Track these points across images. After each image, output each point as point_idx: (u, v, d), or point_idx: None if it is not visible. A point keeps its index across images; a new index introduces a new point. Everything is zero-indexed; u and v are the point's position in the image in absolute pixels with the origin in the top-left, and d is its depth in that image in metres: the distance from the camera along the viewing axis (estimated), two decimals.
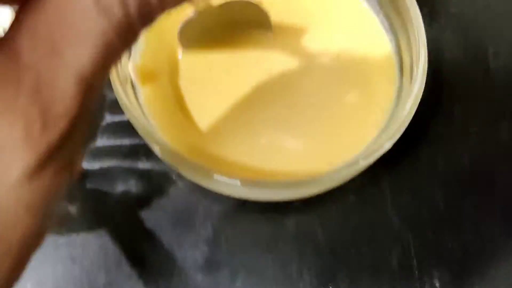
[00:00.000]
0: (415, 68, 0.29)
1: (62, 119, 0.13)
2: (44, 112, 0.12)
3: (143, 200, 0.35)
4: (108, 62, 0.14)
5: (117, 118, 0.38)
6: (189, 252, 0.34)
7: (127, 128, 0.37)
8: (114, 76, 0.30)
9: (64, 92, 0.13)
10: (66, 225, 0.35)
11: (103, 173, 0.36)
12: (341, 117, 0.31)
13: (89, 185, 0.36)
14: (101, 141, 0.37)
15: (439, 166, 0.36)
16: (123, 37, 0.13)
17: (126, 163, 0.36)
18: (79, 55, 0.13)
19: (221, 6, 0.31)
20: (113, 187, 0.36)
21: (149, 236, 0.34)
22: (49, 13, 0.13)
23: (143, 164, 0.36)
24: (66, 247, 0.34)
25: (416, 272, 0.33)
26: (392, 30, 0.33)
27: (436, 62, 0.36)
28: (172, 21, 0.32)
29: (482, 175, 0.36)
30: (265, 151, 0.32)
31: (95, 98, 0.14)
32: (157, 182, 0.36)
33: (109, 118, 0.38)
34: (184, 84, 0.33)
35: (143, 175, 0.36)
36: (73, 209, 0.35)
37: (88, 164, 0.36)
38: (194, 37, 0.33)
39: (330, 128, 0.31)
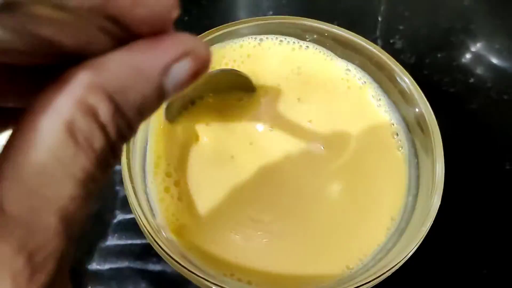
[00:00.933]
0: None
1: (50, 260, 0.13)
2: (31, 258, 0.12)
3: None
4: (89, 193, 0.14)
5: (128, 216, 0.37)
6: None
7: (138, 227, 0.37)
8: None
9: (48, 233, 0.13)
10: None
11: (113, 275, 0.35)
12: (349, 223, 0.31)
13: (99, 287, 0.35)
14: (112, 241, 0.36)
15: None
16: (103, 164, 0.14)
17: (137, 264, 0.36)
18: (58, 194, 0.13)
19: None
20: None
21: None
22: (27, 160, 0.13)
23: (154, 266, 0.35)
24: None
25: None
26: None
27: None
28: None
29: None
30: (274, 255, 0.31)
31: (79, 227, 0.14)
32: (169, 285, 0.35)
33: (120, 216, 0.37)
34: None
35: (154, 277, 0.35)
36: None
37: (97, 265, 0.35)
38: (178, 109, 0.32)
39: (337, 233, 0.31)
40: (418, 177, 0.31)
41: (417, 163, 0.31)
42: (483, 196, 0.37)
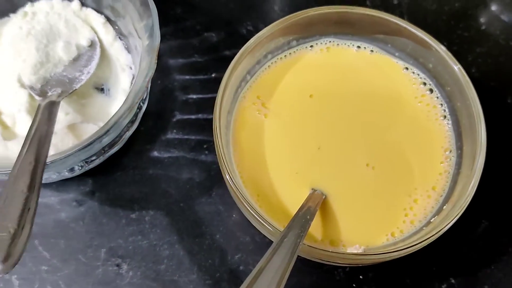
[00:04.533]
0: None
1: None
2: None
3: (204, 188, 0.41)
4: None
5: (185, 116, 0.44)
6: (249, 232, 0.39)
7: (194, 125, 0.43)
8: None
9: None
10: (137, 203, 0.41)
11: (171, 162, 0.42)
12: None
13: (159, 171, 0.42)
14: (171, 135, 0.43)
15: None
16: None
17: (191, 155, 0.42)
18: None
19: None
20: (180, 174, 0.42)
21: (209, 218, 0.40)
22: None
23: (206, 157, 0.42)
24: (137, 223, 0.40)
25: None
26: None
27: None
28: None
29: None
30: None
31: None
32: (216, 173, 0.42)
33: (178, 116, 0.44)
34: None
35: (205, 166, 0.42)
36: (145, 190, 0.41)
37: (158, 154, 0.42)
38: None
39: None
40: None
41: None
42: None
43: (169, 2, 0.48)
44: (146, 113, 0.43)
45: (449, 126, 0.38)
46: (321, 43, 0.41)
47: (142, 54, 0.37)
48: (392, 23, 0.38)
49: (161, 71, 0.45)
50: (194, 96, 0.44)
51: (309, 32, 0.40)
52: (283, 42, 0.40)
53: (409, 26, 0.38)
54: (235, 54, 0.46)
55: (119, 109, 0.35)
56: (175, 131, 0.43)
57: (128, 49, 0.43)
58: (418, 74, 0.40)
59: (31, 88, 0.39)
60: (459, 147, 0.37)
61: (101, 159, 0.39)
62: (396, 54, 0.40)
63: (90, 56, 0.42)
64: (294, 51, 0.40)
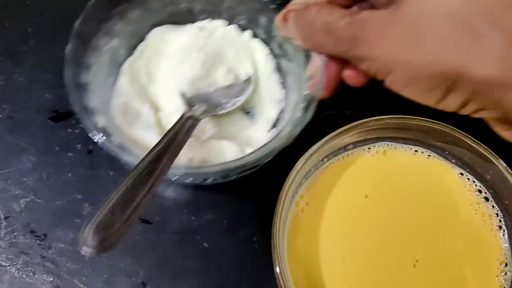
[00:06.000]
0: None
1: None
2: None
3: None
4: None
5: None
6: None
7: None
8: None
9: None
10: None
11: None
12: None
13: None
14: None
15: None
16: None
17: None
18: None
19: None
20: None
21: None
22: None
23: None
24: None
25: None
26: None
27: None
28: None
29: None
30: None
31: None
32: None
33: None
34: None
35: None
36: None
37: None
38: None
39: None
40: None
41: None
42: None
43: None
44: None
45: (505, 238, 0.38)
46: (378, 146, 0.41)
47: (297, 100, 0.39)
48: (450, 134, 0.38)
49: None
50: None
51: (366, 136, 0.40)
52: (340, 146, 0.40)
53: (467, 139, 0.38)
54: None
55: (273, 140, 0.37)
56: None
57: (282, 84, 0.45)
58: (474, 181, 0.40)
59: (183, 95, 0.42)
60: None
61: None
62: (453, 161, 0.40)
63: (242, 89, 0.44)
64: (351, 153, 0.41)
